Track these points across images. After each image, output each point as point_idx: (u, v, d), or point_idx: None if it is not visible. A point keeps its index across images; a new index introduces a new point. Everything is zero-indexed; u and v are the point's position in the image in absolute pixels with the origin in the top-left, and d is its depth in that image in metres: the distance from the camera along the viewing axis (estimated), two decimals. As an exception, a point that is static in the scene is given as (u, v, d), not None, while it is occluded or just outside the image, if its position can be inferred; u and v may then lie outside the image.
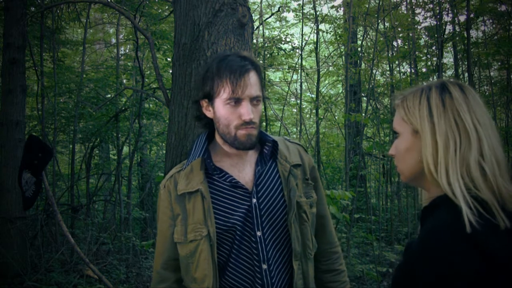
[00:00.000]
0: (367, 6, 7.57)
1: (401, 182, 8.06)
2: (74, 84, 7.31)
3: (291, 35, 8.88)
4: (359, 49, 7.89)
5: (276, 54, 8.72)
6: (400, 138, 1.10)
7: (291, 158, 1.47)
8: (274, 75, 12.02)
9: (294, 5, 9.74)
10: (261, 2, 8.77)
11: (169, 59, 7.29)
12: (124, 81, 8.98)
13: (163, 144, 8.15)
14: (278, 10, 8.28)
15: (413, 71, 8.17)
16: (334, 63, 9.67)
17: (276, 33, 10.29)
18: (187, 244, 1.38)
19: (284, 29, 10.27)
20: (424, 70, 8.70)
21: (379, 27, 7.20)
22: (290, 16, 16.27)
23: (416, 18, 8.37)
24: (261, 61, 8.19)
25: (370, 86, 7.35)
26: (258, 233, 1.37)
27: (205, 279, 1.35)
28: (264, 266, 1.36)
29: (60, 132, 7.75)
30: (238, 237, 1.38)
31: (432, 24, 8.35)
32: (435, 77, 8.01)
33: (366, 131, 9.79)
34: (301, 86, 8.88)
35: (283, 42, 8.53)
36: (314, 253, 1.48)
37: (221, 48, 1.88)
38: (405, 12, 8.42)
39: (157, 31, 6.54)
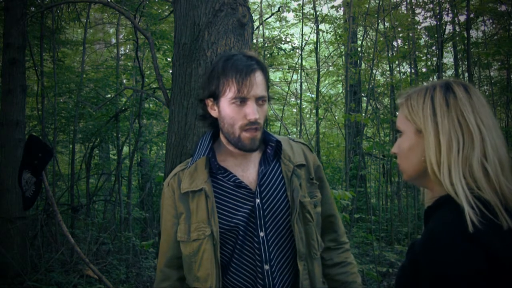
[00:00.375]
0: (367, 6, 7.56)
1: (401, 181, 8.10)
2: (74, 84, 7.31)
3: (291, 35, 8.87)
4: (359, 49, 7.89)
5: (276, 54, 8.71)
6: (403, 136, 1.10)
7: (295, 158, 1.47)
8: (274, 75, 12.01)
9: (294, 5, 9.72)
10: (261, 2, 8.77)
11: (169, 59, 7.29)
12: (124, 81, 8.98)
13: (163, 144, 8.15)
14: (278, 10, 8.27)
15: (413, 71, 8.17)
16: (334, 63, 9.67)
17: (276, 33, 10.29)
18: (190, 243, 1.38)
19: (284, 29, 10.27)
20: (424, 70, 8.70)
21: (379, 27, 7.21)
22: (290, 16, 16.29)
23: (416, 18, 8.37)
24: (261, 61, 8.16)
25: (370, 86, 7.34)
26: (261, 234, 1.37)
27: (208, 279, 1.35)
28: (266, 267, 1.36)
29: (60, 132, 7.74)
30: (241, 237, 1.37)
31: (432, 24, 8.35)
32: (435, 77, 8.01)
33: (366, 131, 9.79)
34: (301, 86, 8.88)
35: (283, 42, 8.53)
36: (320, 252, 1.48)
37: (221, 48, 1.87)
38: (405, 12, 8.42)
39: (157, 31, 6.53)
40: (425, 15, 11.52)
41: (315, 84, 8.62)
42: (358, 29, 9.23)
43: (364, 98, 9.17)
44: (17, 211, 5.01)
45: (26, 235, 5.26)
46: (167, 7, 7.05)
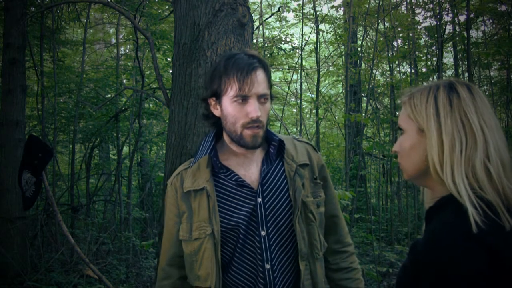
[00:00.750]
0: (367, 6, 7.56)
1: (401, 181, 8.10)
2: (74, 84, 7.31)
3: (291, 35, 8.87)
4: (359, 49, 7.89)
5: (276, 54, 8.71)
6: (404, 135, 1.10)
7: (298, 157, 1.46)
8: (274, 75, 12.01)
9: (294, 5, 9.72)
10: (261, 2, 8.77)
11: (169, 59, 7.29)
12: (124, 81, 8.98)
13: (163, 144, 8.15)
14: (278, 10, 8.27)
15: (413, 71, 8.17)
16: (334, 63, 9.67)
17: (276, 33, 10.29)
18: (192, 242, 1.38)
19: (284, 29, 10.27)
20: (424, 70, 8.70)
21: (379, 27, 7.20)
22: (290, 16, 16.29)
23: (416, 18, 8.37)
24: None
25: (370, 86, 7.34)
26: (263, 233, 1.37)
27: (208, 278, 1.35)
28: (267, 266, 1.36)
29: (60, 132, 7.74)
30: (242, 236, 1.38)
31: (432, 24, 8.35)
32: (435, 77, 8.01)
33: (366, 131, 9.79)
34: (301, 86, 8.88)
35: (283, 42, 8.53)
36: (323, 252, 1.47)
37: (221, 48, 1.87)
38: (405, 12, 8.41)
39: (157, 31, 6.53)
40: (425, 15, 11.52)
41: (315, 84, 8.62)
42: (358, 29, 9.23)
43: (364, 98, 9.17)
44: (17, 211, 5.01)
45: (26, 235, 5.26)
46: (167, 7, 7.05)
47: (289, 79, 9.05)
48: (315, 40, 8.29)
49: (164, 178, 2.01)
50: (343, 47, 8.81)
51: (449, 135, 0.99)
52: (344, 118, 6.89)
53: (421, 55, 8.64)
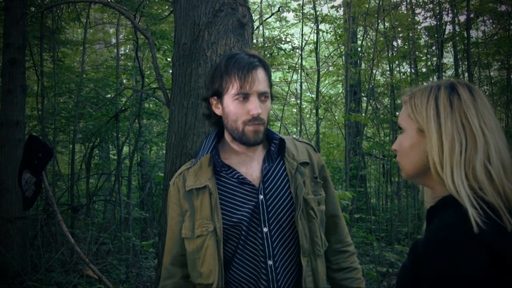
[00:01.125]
0: (367, 6, 7.56)
1: (401, 181, 8.10)
2: (74, 84, 7.31)
3: (291, 35, 8.87)
4: (359, 49, 7.88)
5: (276, 54, 8.71)
6: (404, 134, 1.10)
7: (298, 156, 1.48)
8: (274, 75, 12.00)
9: (294, 5, 9.73)
10: (261, 2, 8.77)
11: (169, 59, 7.29)
12: (124, 81, 8.98)
13: (163, 144, 8.15)
14: (278, 10, 8.27)
15: (413, 71, 8.17)
16: (334, 63, 9.67)
17: (276, 33, 10.29)
18: (194, 239, 1.40)
19: (284, 29, 10.27)
20: (424, 70, 8.70)
21: (379, 27, 7.20)
22: (290, 16, 16.30)
23: (416, 18, 8.36)
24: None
25: (370, 86, 7.34)
26: (265, 229, 1.38)
27: (210, 274, 1.36)
28: (270, 262, 1.37)
29: (60, 132, 7.74)
30: (244, 233, 1.39)
31: (432, 24, 8.35)
32: (435, 77, 8.01)
33: (366, 131, 9.79)
34: (301, 86, 8.88)
35: (283, 42, 8.53)
36: (324, 251, 1.49)
37: (221, 48, 1.88)
38: (405, 12, 8.41)
39: (157, 31, 6.53)
40: (425, 15, 11.53)
41: (315, 84, 8.62)
42: (358, 29, 9.23)
43: (364, 98, 9.17)
44: (17, 211, 5.01)
45: (26, 235, 5.26)
46: (167, 7, 7.05)
47: (289, 79, 9.05)
48: (315, 40, 8.29)
49: (164, 178, 2.01)
50: (343, 47, 8.81)
51: (449, 136, 0.99)
52: (344, 118, 6.89)
53: (421, 55, 8.64)
